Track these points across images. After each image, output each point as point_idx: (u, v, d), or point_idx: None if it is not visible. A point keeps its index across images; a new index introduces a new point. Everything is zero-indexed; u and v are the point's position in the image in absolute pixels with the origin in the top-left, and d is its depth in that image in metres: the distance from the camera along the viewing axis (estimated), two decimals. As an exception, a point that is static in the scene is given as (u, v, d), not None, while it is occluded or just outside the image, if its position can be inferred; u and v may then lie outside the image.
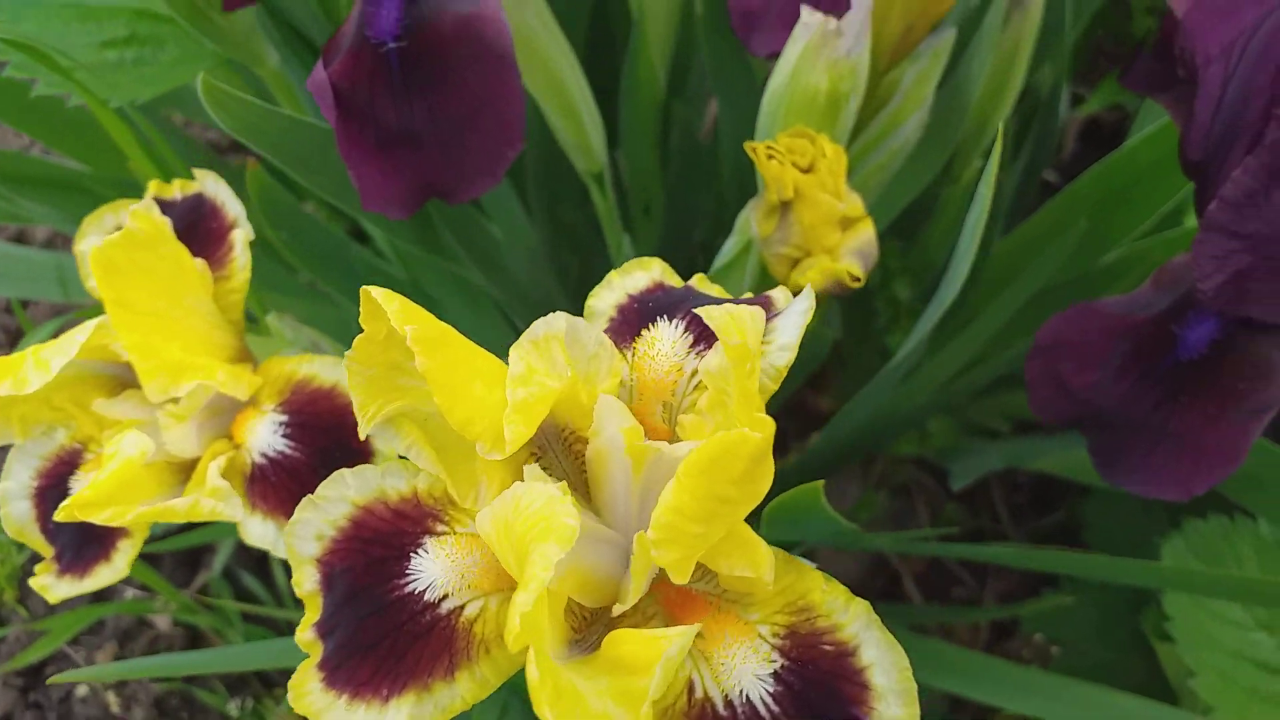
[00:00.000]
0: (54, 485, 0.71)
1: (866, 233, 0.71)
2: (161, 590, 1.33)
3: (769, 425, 0.41)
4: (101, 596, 1.51)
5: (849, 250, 0.70)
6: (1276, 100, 0.67)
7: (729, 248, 0.79)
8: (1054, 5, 1.13)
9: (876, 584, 1.54)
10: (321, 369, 0.66)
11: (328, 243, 1.15)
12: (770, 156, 0.69)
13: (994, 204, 1.21)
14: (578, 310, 1.39)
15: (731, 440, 0.39)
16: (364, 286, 0.44)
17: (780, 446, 1.55)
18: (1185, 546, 0.99)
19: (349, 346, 1.37)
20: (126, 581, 1.48)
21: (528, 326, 1.38)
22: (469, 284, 1.24)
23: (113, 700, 1.41)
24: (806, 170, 0.69)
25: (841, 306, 1.31)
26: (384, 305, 0.42)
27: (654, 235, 1.36)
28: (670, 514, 0.39)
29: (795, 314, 0.50)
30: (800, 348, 1.04)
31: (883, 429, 1.24)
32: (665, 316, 0.51)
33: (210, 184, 0.71)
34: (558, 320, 0.46)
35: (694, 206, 1.29)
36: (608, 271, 1.21)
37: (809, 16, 0.65)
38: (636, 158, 1.19)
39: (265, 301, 1.30)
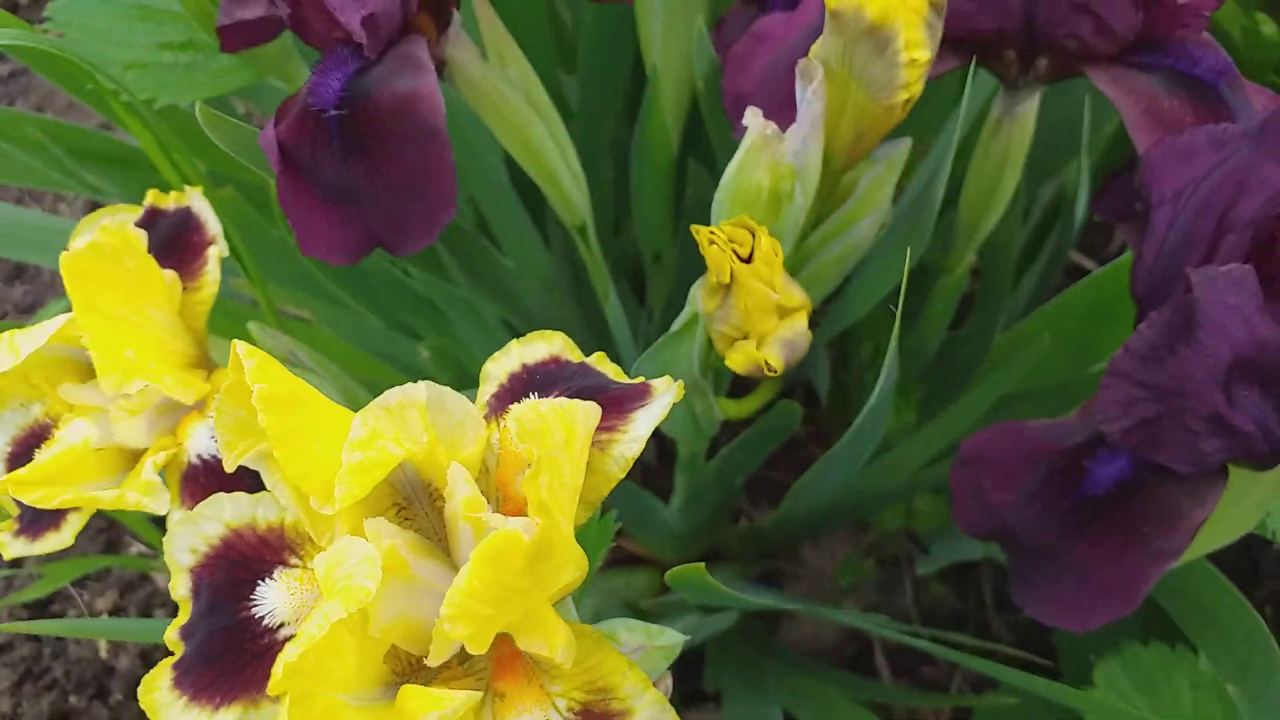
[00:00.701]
0: (24, 454, 0.77)
1: (799, 324, 0.73)
2: (161, 552, 1.41)
3: (560, 518, 0.44)
4: (110, 548, 1.60)
5: (778, 339, 0.72)
6: (1212, 255, 0.67)
7: (681, 317, 0.83)
8: (1073, 106, 1.13)
9: (849, 650, 1.54)
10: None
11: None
12: (712, 242, 0.72)
13: (996, 298, 1.22)
14: (594, 343, 1.43)
15: (502, 539, 0.42)
16: (235, 340, 0.48)
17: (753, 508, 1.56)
18: (1121, 671, 0.98)
19: (364, 350, 1.42)
20: (134, 537, 1.57)
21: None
22: (477, 305, 1.28)
23: (103, 646, 1.50)
24: (746, 259, 0.72)
25: (832, 380, 1.32)
26: (243, 361, 0.46)
27: (665, 282, 1.39)
28: (460, 594, 0.42)
29: (655, 408, 0.53)
30: (767, 420, 1.07)
31: (853, 504, 1.25)
32: (540, 391, 0.55)
33: (196, 201, 0.77)
34: (418, 389, 0.50)
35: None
36: (631, 306, 1.25)
37: (752, 118, 0.68)
38: (647, 212, 1.23)
39: (285, 298, 1.38)
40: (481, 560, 0.42)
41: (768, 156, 0.68)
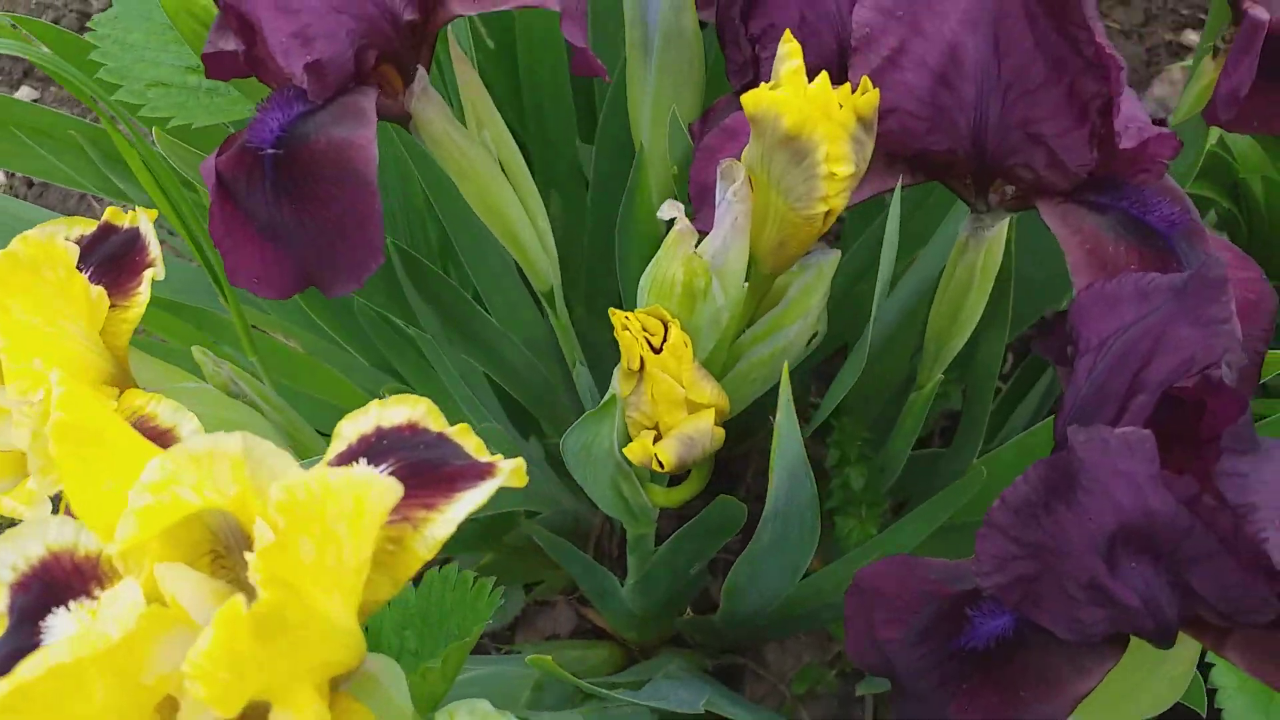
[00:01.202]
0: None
1: (703, 423, 0.72)
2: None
3: (310, 593, 0.43)
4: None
5: (678, 434, 0.71)
6: (1122, 413, 0.64)
7: (606, 397, 0.81)
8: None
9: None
10: (163, 411, 0.71)
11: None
12: (625, 328, 0.71)
13: (976, 420, 1.18)
14: (577, 407, 1.41)
15: (229, 607, 0.41)
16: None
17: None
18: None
19: (354, 382, 1.42)
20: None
21: (525, 401, 1.41)
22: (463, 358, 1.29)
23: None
24: (657, 350, 0.71)
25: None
26: (53, 387, 0.47)
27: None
28: (199, 655, 0.41)
29: (481, 492, 0.52)
30: (710, 515, 1.04)
31: (805, 611, 1.21)
32: (378, 458, 0.54)
33: (144, 223, 0.79)
34: (231, 439, 0.49)
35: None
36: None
37: (669, 211, 0.67)
38: (631, 284, 1.23)
39: (274, 325, 1.40)
40: (217, 625, 0.41)
41: (682, 251, 0.67)
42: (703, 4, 1.05)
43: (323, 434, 1.57)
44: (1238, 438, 0.56)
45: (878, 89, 0.69)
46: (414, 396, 0.59)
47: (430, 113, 0.82)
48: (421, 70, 0.81)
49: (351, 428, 0.58)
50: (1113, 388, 0.64)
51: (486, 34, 1.40)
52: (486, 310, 1.25)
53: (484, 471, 0.54)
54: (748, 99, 0.64)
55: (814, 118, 0.63)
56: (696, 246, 0.71)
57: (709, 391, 0.72)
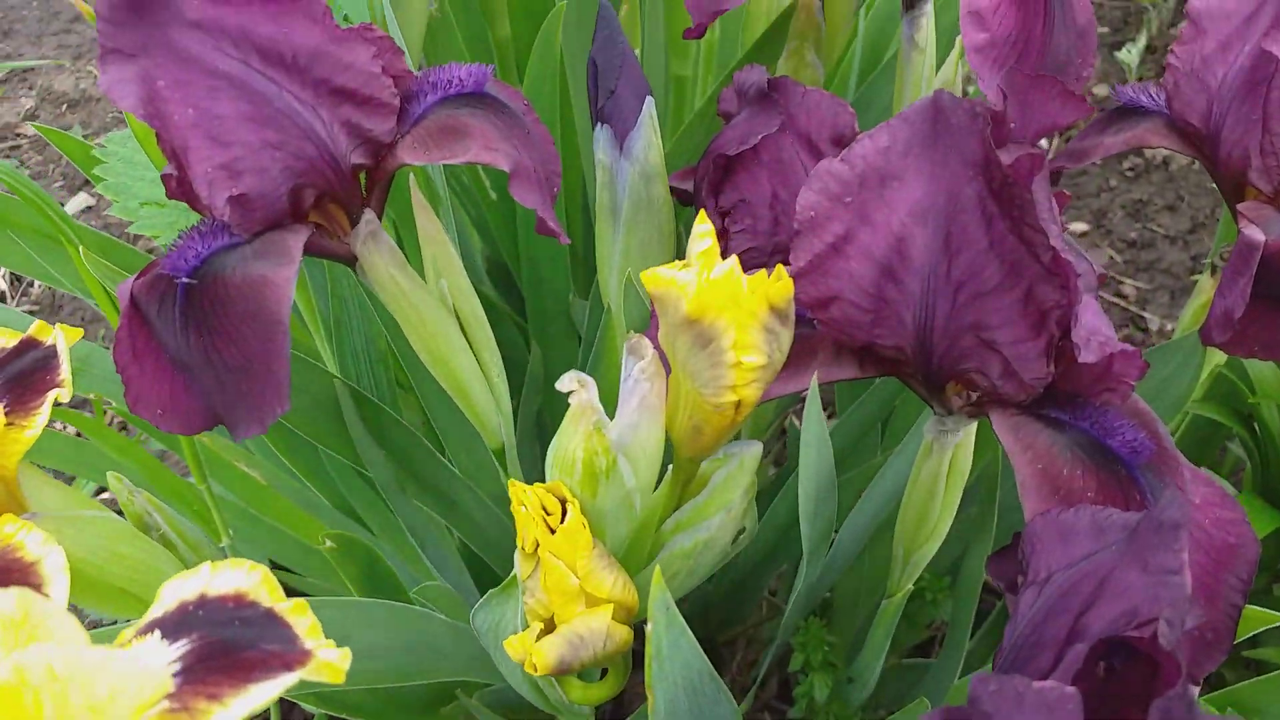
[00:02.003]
0: None
1: (598, 621, 0.65)
2: None
3: None
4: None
5: (564, 633, 0.64)
6: (1057, 662, 0.56)
7: (509, 577, 0.75)
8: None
9: None
10: (31, 542, 0.67)
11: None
12: (523, 505, 0.65)
13: (959, 633, 1.09)
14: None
15: None
16: None
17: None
18: None
19: (313, 518, 1.37)
20: None
21: (485, 556, 1.33)
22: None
23: None
24: (554, 531, 0.65)
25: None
26: None
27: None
28: None
29: (275, 684, 0.46)
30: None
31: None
32: (180, 634, 0.49)
33: (60, 342, 0.77)
34: (5, 597, 0.45)
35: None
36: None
37: (568, 384, 0.63)
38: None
39: (236, 453, 1.36)
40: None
41: (583, 427, 0.62)
42: (680, 176, 1.04)
43: (281, 568, 1.52)
44: (1166, 712, 0.48)
45: (792, 279, 0.65)
46: (251, 564, 0.54)
47: (375, 257, 0.80)
48: (370, 214, 0.79)
49: (173, 591, 0.52)
50: (1051, 631, 0.57)
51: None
52: (448, 457, 1.20)
53: (293, 661, 0.48)
54: (647, 277, 0.60)
55: (718, 303, 0.59)
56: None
57: (609, 585, 0.66)
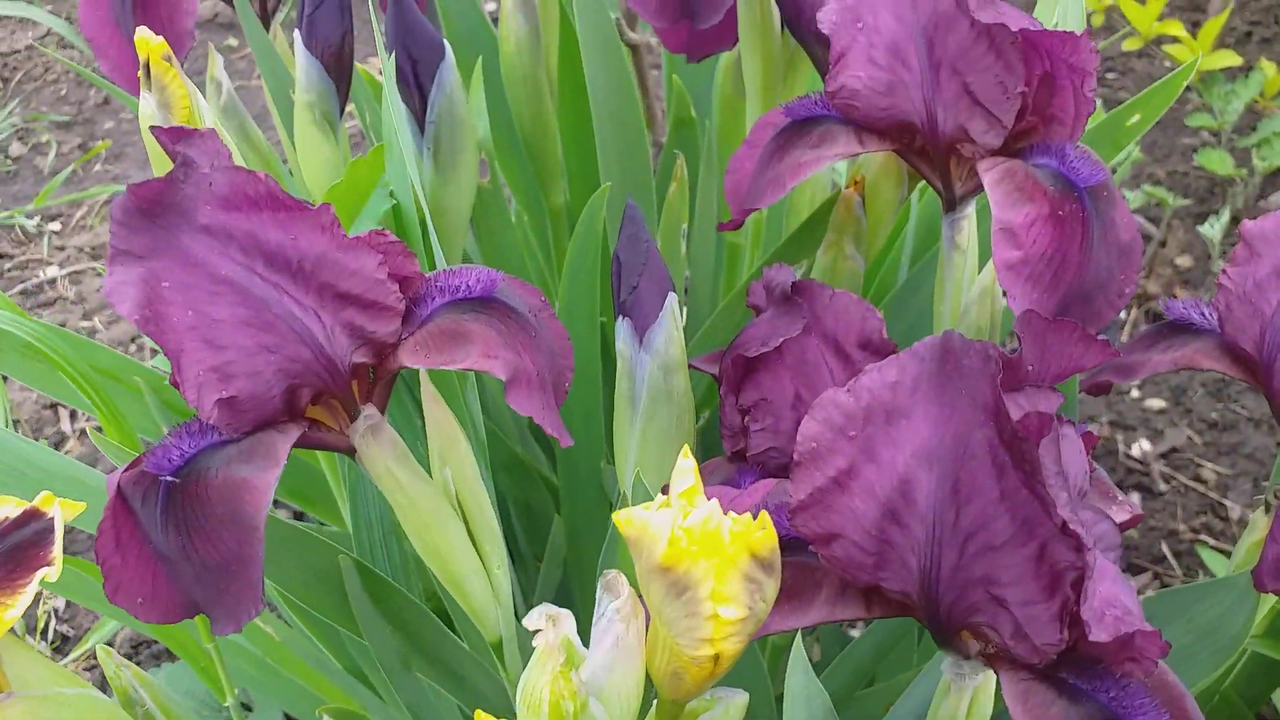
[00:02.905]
0: None
1: None
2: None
3: None
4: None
5: None
6: None
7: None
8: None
9: None
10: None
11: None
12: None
13: None
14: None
15: None
16: None
17: None
18: None
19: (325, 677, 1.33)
20: None
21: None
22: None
23: None
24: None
25: None
26: None
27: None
28: None
29: None
30: None
31: None
32: None
33: (57, 517, 0.77)
34: None
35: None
36: None
37: (536, 620, 0.59)
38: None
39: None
40: None
41: (551, 667, 0.58)
42: (709, 360, 1.02)
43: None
44: None
45: (792, 511, 0.61)
46: None
47: (373, 451, 0.79)
48: (370, 408, 0.78)
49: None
50: None
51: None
52: (457, 632, 1.17)
53: None
54: (619, 519, 0.57)
55: (694, 551, 0.55)
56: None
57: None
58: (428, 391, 0.85)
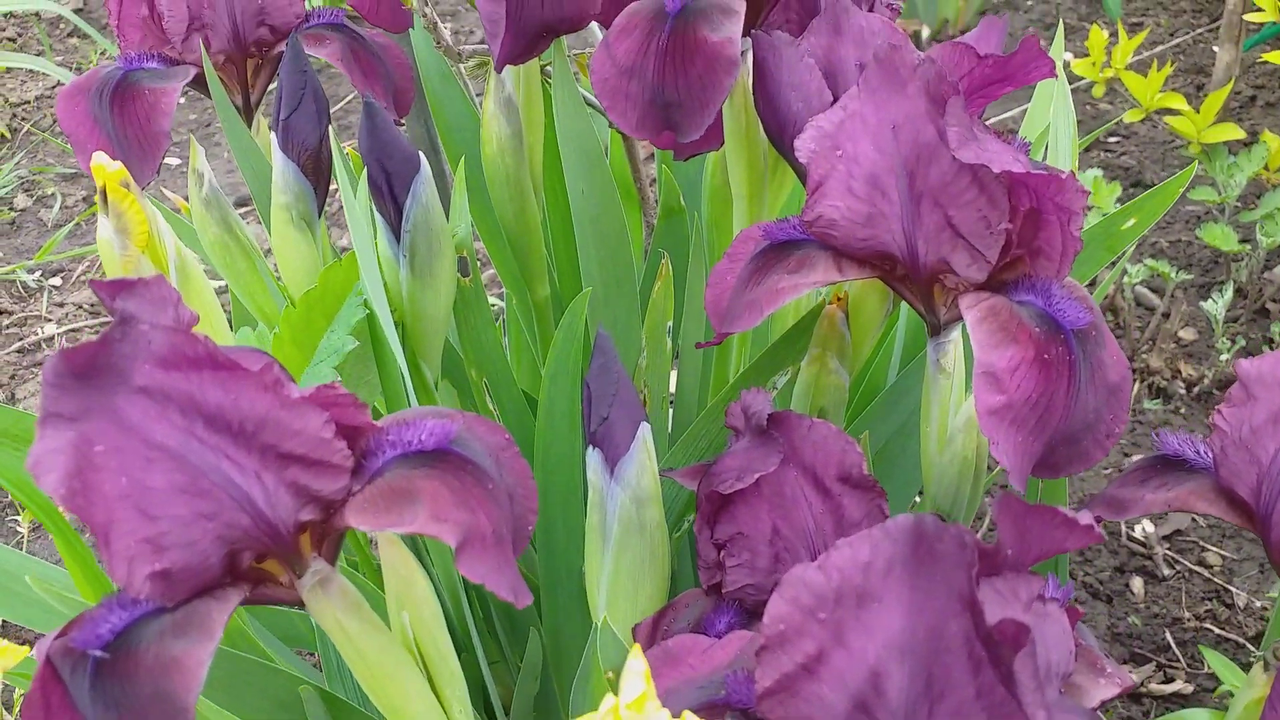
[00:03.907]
0: None
1: None
2: None
3: None
4: None
5: None
6: None
7: None
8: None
9: None
10: None
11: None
12: None
13: None
14: None
15: None
16: None
17: None
18: None
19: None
20: None
21: None
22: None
23: None
24: None
25: None
26: None
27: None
28: None
29: None
30: None
31: None
32: None
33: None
34: None
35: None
36: None
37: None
38: None
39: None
40: None
41: None
42: (690, 474, 0.98)
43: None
44: None
45: (757, 697, 0.58)
46: None
47: (322, 604, 0.76)
48: (319, 563, 0.75)
49: None
50: None
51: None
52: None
53: None
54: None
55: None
56: None
57: None
58: (383, 535, 0.82)
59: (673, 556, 1.27)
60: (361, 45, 1.30)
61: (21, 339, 3.07)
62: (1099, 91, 2.72)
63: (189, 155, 1.36)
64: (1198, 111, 2.45)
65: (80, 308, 3.19)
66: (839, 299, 1.07)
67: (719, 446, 1.22)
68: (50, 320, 3.13)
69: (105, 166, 0.84)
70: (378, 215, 1.10)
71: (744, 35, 1.09)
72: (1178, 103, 2.44)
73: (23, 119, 4.20)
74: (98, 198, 0.87)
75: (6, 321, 3.12)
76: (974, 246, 0.85)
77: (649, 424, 0.91)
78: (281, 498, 0.68)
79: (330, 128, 1.20)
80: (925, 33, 3.84)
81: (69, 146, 3.86)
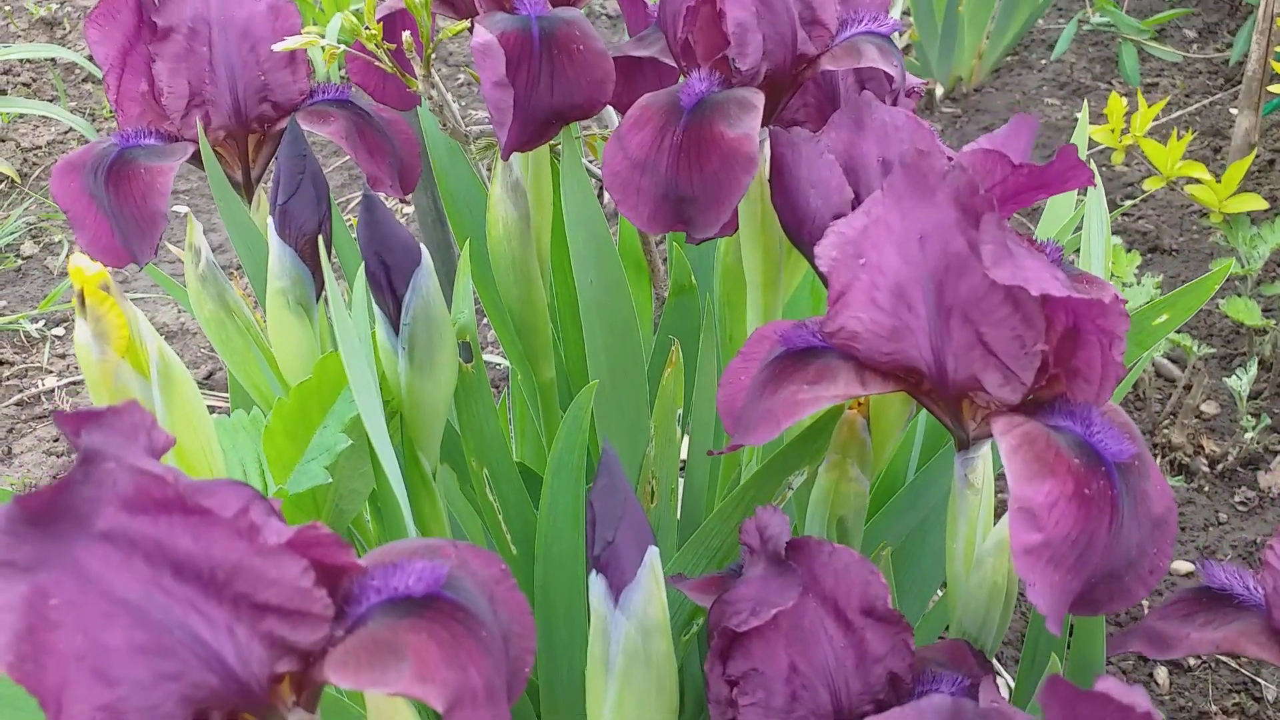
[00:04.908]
0: None
1: None
2: None
3: None
4: None
5: None
6: None
7: None
8: None
9: None
10: None
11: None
12: None
13: None
14: None
15: None
16: None
17: None
18: None
19: None
20: None
21: None
22: None
23: None
24: None
25: None
26: None
27: None
28: None
29: None
30: None
31: None
32: None
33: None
34: None
35: None
36: None
37: None
38: None
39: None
40: None
41: None
42: (701, 586, 0.92)
43: None
44: None
45: None
46: None
47: (303, 752, 0.69)
48: (299, 713, 0.69)
49: None
50: None
51: (510, 538, 1.32)
52: None
53: None
54: None
55: None
56: None
57: None
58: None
59: (680, 660, 1.20)
60: (366, 122, 1.26)
61: (22, 390, 3.02)
62: (1118, 159, 2.68)
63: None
64: (1217, 177, 2.40)
65: (82, 359, 3.14)
66: (860, 403, 1.02)
67: (730, 550, 1.16)
68: (51, 372, 3.09)
69: (84, 270, 0.79)
70: (376, 308, 1.05)
71: (763, 124, 1.05)
72: (1198, 171, 2.40)
73: (34, 163, 4.20)
74: (75, 301, 0.83)
75: (7, 373, 3.08)
76: (1007, 366, 0.79)
77: (656, 546, 0.85)
78: (255, 651, 0.62)
79: (331, 209, 1.16)
80: (939, 91, 3.81)
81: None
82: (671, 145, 0.96)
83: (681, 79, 1.02)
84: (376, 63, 1.10)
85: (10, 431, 2.87)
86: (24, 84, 4.50)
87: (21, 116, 4.23)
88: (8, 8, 4.77)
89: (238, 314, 1.33)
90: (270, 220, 1.12)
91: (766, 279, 1.17)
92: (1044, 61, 3.92)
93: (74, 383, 3.04)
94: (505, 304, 1.29)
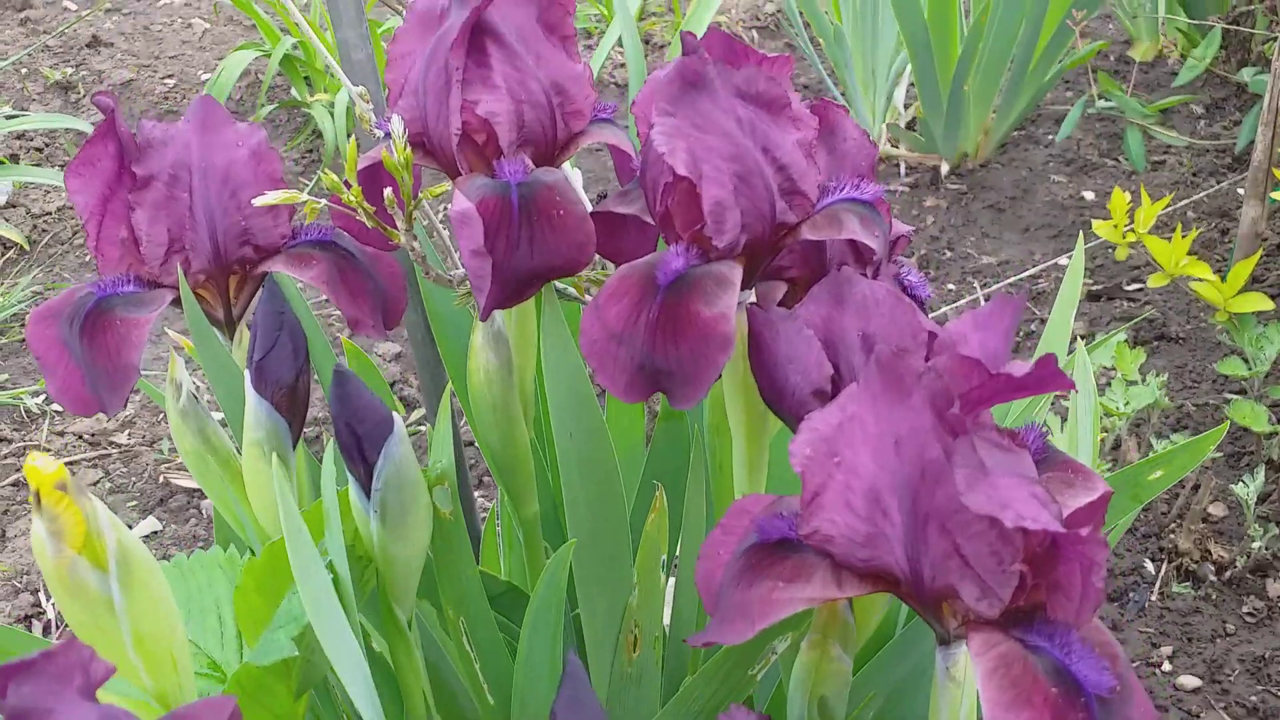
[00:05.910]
0: None
1: None
2: None
3: None
4: None
5: None
6: None
7: None
8: None
9: None
10: None
11: None
12: None
13: None
14: None
15: None
16: None
17: None
18: None
19: None
20: None
21: None
22: None
23: None
24: None
25: None
26: None
27: None
28: None
29: None
30: None
31: None
32: None
33: None
34: None
35: None
36: None
37: None
38: None
39: None
40: None
41: None
42: None
43: None
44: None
45: None
46: None
47: None
48: None
49: None
50: None
51: (488, 688, 1.29)
52: None
53: None
54: None
55: None
56: None
57: None
58: None
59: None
60: (349, 264, 1.25)
61: (18, 470, 3.01)
62: (1122, 255, 2.67)
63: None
64: (1223, 264, 2.38)
65: (80, 438, 3.14)
66: (840, 583, 0.99)
67: (713, 710, 1.13)
68: (49, 450, 3.08)
69: (40, 470, 0.78)
70: (348, 473, 1.04)
71: (744, 286, 1.04)
72: (1203, 272, 2.37)
73: (43, 230, 4.23)
74: (31, 499, 0.81)
75: (4, 451, 3.08)
76: (984, 581, 0.77)
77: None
78: None
79: (308, 359, 1.14)
80: (944, 168, 3.81)
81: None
82: (648, 321, 0.94)
83: (661, 245, 1.01)
84: (358, 216, 1.10)
85: (5, 513, 2.86)
86: (37, 149, 4.55)
87: (32, 182, 4.28)
88: (24, 70, 4.84)
89: (219, 449, 1.31)
90: (246, 373, 1.11)
91: (750, 430, 1.15)
92: (1050, 137, 3.91)
93: (70, 462, 3.03)
94: (484, 445, 1.27)
